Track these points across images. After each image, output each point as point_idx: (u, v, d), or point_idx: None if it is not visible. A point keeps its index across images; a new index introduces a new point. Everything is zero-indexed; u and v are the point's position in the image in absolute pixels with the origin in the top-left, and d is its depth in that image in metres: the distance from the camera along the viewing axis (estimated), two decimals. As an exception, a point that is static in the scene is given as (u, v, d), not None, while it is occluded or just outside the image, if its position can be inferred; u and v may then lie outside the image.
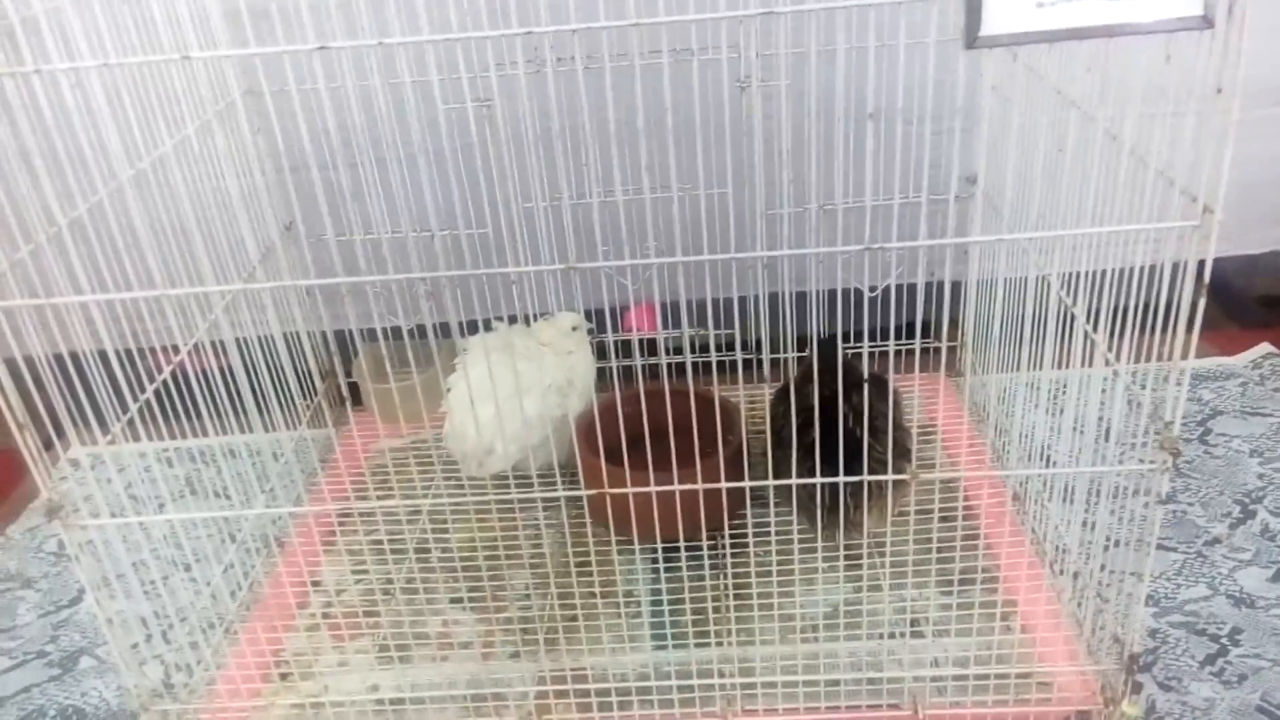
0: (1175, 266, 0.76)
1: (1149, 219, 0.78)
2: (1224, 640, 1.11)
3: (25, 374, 0.85)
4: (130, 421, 0.98)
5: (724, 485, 0.91)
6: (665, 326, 1.50)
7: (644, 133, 0.96)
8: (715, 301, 1.00)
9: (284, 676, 1.09)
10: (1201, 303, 0.74)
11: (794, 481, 0.90)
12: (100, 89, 0.84)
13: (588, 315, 1.39)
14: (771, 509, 1.14)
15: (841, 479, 0.89)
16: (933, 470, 0.93)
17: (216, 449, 1.15)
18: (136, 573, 0.99)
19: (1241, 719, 1.03)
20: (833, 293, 1.24)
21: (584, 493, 0.91)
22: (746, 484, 0.91)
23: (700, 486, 0.86)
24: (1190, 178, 0.73)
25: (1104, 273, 0.87)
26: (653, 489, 0.88)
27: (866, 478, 0.89)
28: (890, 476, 0.93)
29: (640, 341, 1.44)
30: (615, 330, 1.43)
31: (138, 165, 0.99)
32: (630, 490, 0.90)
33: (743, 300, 1.38)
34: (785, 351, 1.43)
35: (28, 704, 1.17)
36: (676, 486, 0.87)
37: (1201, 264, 0.74)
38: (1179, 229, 0.74)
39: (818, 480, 0.92)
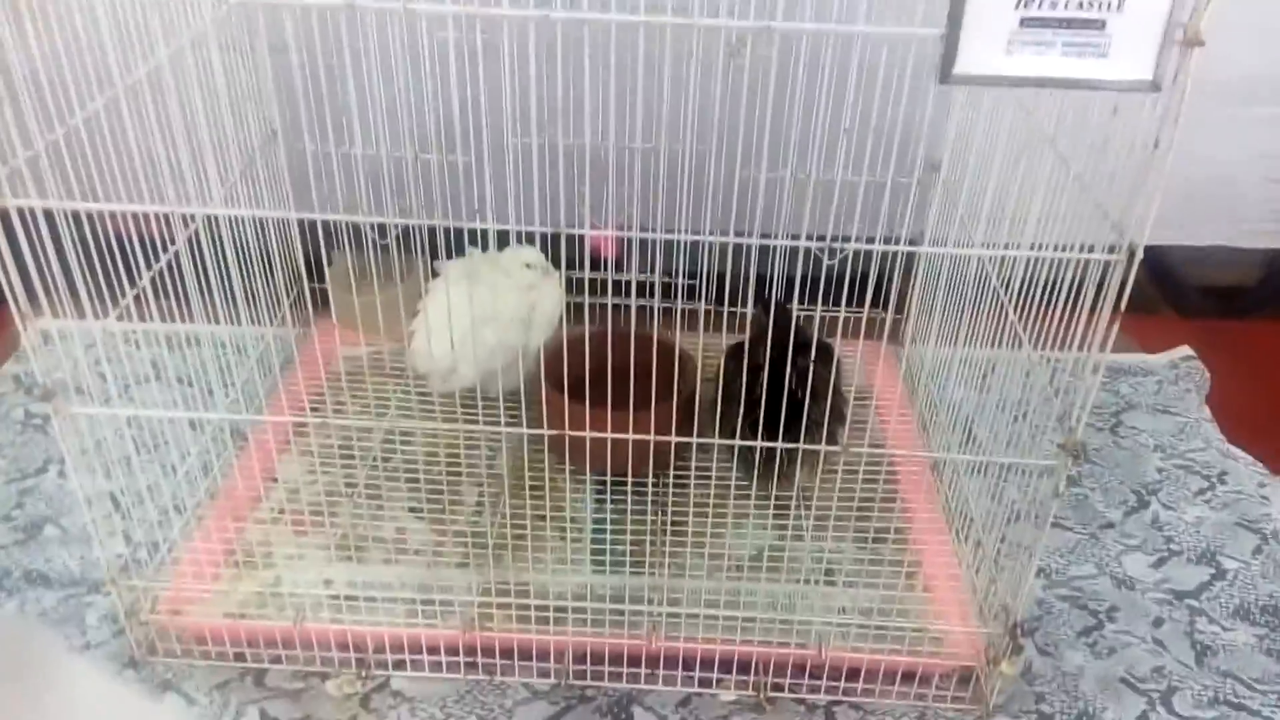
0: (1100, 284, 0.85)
1: (1086, 233, 0.86)
2: (1101, 616, 1.24)
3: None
4: (101, 298, 1.02)
5: (673, 439, 0.99)
6: (626, 260, 1.56)
7: (640, 86, 1.00)
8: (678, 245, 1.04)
9: (242, 564, 1.16)
10: (1116, 328, 0.83)
11: (736, 443, 0.99)
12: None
13: (556, 240, 1.44)
14: (715, 455, 1.23)
15: (779, 444, 0.98)
16: (862, 443, 1.02)
17: (184, 336, 1.20)
18: (101, 451, 1.04)
19: (1105, 686, 1.15)
20: (794, 251, 1.32)
21: (545, 432, 0.98)
22: (694, 439, 0.99)
23: (651, 438, 0.95)
24: (1123, 215, 0.81)
25: (1038, 262, 0.96)
26: (608, 435, 0.96)
27: (801, 446, 0.98)
28: (823, 447, 1.01)
29: (603, 275, 1.50)
30: (580, 252, 1.48)
31: (132, 77, 1.02)
32: (588, 434, 0.98)
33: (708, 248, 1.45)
34: (742, 306, 1.51)
35: (-7, 564, 1.24)
36: (630, 435, 0.95)
37: (1120, 292, 0.82)
38: (1104, 260, 0.82)
39: (759, 444, 1.00)
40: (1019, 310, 1.02)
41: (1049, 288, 0.93)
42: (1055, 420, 0.95)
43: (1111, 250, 0.82)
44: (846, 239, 1.04)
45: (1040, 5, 0.68)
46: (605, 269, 1.50)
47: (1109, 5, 0.68)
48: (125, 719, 0.38)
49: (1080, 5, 0.68)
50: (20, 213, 0.88)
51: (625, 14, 0.71)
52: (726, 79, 1.17)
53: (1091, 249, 0.86)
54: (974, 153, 1.16)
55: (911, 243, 1.34)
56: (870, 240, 0.92)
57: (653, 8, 0.77)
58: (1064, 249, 0.87)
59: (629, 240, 1.53)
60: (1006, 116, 1.11)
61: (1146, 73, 0.70)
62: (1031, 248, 0.90)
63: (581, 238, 1.44)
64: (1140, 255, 0.79)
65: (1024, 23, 0.69)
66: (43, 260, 0.91)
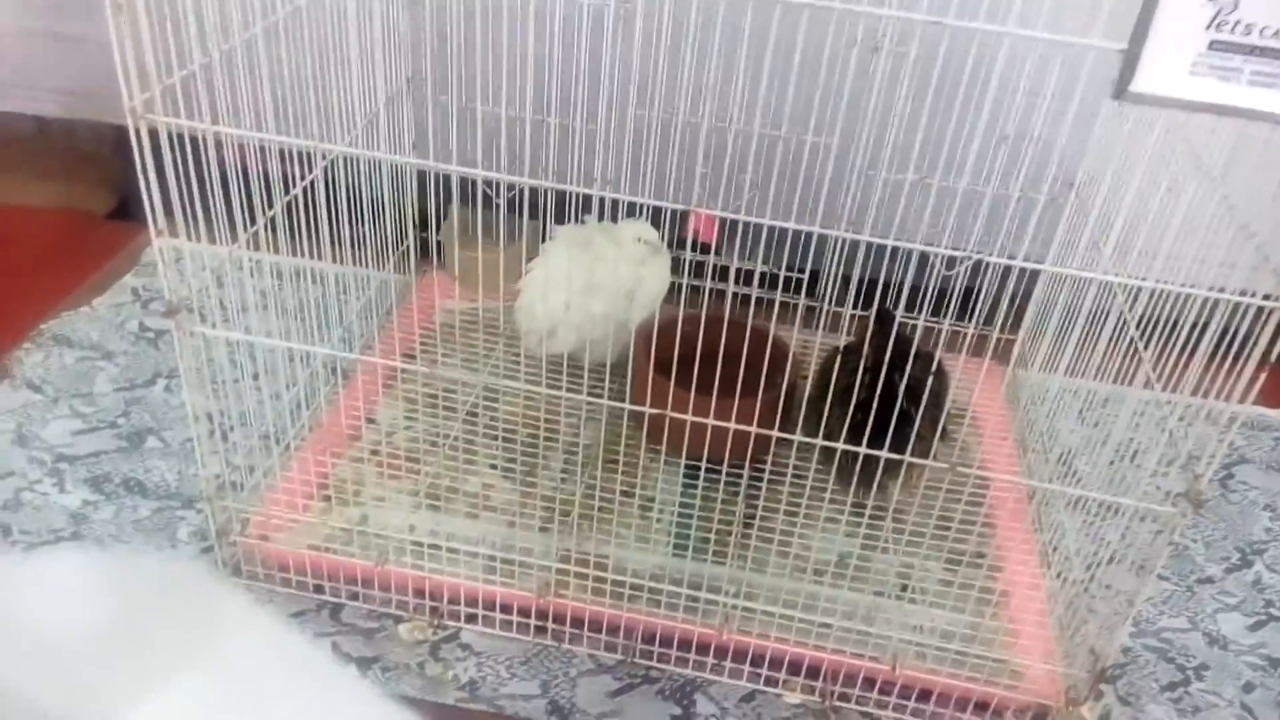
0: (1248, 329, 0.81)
1: (1239, 276, 0.82)
2: (1190, 672, 1.19)
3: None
4: (231, 224, 1.04)
5: (774, 433, 0.97)
6: (725, 244, 1.54)
7: (768, 71, 0.98)
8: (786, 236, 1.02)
9: (333, 498, 1.18)
10: (1263, 377, 0.79)
11: (839, 445, 0.97)
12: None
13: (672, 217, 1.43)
14: (814, 455, 1.20)
15: (884, 454, 0.96)
16: (967, 465, 0.98)
17: (303, 270, 1.22)
18: (212, 370, 1.06)
19: (1186, 746, 1.11)
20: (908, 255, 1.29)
21: (647, 410, 0.97)
22: (795, 437, 0.97)
23: (753, 430, 0.93)
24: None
25: (1181, 300, 0.91)
26: (710, 421, 0.95)
27: (907, 458, 0.96)
28: (929, 463, 0.99)
29: (703, 259, 1.49)
30: (681, 229, 1.47)
31: (292, 5, 1.04)
32: (690, 418, 0.97)
33: (819, 244, 1.42)
34: (849, 306, 1.48)
35: (95, 468, 1.28)
36: (732, 424, 0.94)
37: (1273, 342, 0.78)
38: (1259, 304, 0.78)
39: (862, 450, 0.98)
40: (1153, 348, 0.98)
41: (1192, 328, 0.89)
42: (1178, 468, 0.90)
43: (1267, 297, 0.78)
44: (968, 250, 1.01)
45: (1234, 29, 0.64)
46: (700, 251, 1.49)
47: (1310, 37, 0.64)
48: (299, 672, 0.38)
49: (1276, 34, 0.64)
50: (168, 132, 0.90)
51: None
52: (885, 72, 1.14)
53: (1243, 293, 0.82)
54: (1132, 180, 1.11)
55: (1039, 262, 1.30)
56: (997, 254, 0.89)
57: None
58: (1216, 290, 0.83)
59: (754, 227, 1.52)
60: (1166, 142, 1.06)
61: (1340, 114, 0.66)
62: (1182, 285, 0.86)
63: (689, 216, 1.43)
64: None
65: (1213, 45, 0.65)
66: (181, 181, 0.93)
